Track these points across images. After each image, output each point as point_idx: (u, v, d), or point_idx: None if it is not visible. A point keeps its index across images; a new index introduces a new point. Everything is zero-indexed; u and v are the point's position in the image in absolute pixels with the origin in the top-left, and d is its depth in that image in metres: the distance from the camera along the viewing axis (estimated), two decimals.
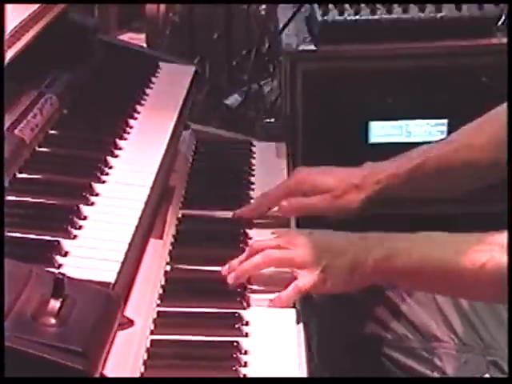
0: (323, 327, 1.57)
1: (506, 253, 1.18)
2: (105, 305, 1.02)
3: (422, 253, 1.23)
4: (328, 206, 1.48)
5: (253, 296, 1.27)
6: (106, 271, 1.09)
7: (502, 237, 1.24)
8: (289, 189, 1.51)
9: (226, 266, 1.30)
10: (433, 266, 1.23)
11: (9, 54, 1.36)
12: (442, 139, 1.65)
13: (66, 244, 1.14)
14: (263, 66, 2.76)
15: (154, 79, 1.73)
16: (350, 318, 1.53)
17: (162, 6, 3.39)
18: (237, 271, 1.27)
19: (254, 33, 3.03)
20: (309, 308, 1.33)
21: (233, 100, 2.46)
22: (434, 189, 1.53)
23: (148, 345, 1.15)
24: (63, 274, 0.98)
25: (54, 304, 0.95)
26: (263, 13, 3.05)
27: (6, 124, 1.34)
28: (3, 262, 0.98)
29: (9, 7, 1.43)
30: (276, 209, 1.50)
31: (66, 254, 1.12)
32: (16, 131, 1.34)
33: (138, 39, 3.34)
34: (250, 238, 1.42)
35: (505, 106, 1.50)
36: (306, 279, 1.25)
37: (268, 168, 1.71)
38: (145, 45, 3.15)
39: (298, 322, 1.24)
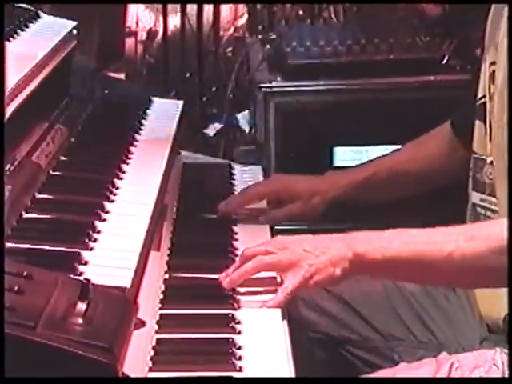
0: (295, 330, 1.57)
1: (469, 243, 1.20)
2: (123, 307, 1.02)
3: (396, 247, 1.23)
4: (300, 211, 1.57)
5: (243, 298, 1.27)
6: (122, 277, 1.10)
7: (465, 228, 1.28)
8: (268, 194, 1.60)
9: (223, 274, 1.29)
10: (406, 258, 1.22)
11: (25, 92, 1.36)
12: (391, 152, 1.70)
13: (85, 255, 1.15)
14: (235, 100, 2.79)
15: (148, 112, 1.73)
16: (319, 322, 1.53)
17: (140, 49, 3.40)
18: (232, 277, 1.27)
19: (221, 71, 3.06)
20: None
21: (212, 129, 2.48)
22: (383, 193, 1.61)
23: (154, 343, 1.15)
24: (88, 280, 0.99)
25: (81, 306, 0.95)
26: (229, 54, 3.09)
27: (24, 151, 1.34)
28: (3, 263, 0.98)
29: (24, 53, 1.45)
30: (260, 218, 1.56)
31: (85, 263, 1.13)
32: (33, 158, 1.35)
33: None
34: (236, 249, 1.43)
35: (443, 126, 1.58)
36: (291, 281, 1.24)
37: None
38: None
39: (283, 318, 1.24)
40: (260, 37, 2.50)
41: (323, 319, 1.51)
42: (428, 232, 1.24)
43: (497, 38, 1.33)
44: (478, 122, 1.37)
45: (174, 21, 3.11)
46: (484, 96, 1.35)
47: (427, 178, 1.59)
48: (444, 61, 2.12)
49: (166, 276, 1.34)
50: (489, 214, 1.36)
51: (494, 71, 1.32)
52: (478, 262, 1.20)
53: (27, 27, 1.58)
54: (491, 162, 1.34)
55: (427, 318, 1.46)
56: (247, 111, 2.43)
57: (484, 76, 1.36)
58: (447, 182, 1.50)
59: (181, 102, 1.81)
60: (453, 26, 2.19)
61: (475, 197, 1.38)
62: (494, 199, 1.34)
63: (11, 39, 1.48)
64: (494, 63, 1.33)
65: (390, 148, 1.99)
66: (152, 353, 1.13)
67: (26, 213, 1.25)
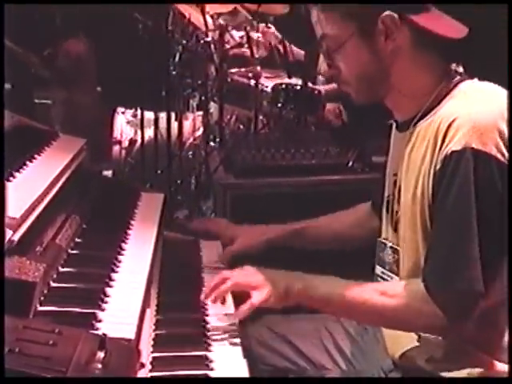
0: (251, 363, 1.53)
1: (380, 297, 1.23)
2: (130, 354, 1.02)
3: (325, 289, 1.26)
4: (243, 246, 1.59)
5: (214, 343, 1.27)
6: (128, 331, 1.09)
7: (382, 284, 1.30)
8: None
9: (206, 290, 1.29)
10: (333, 300, 1.26)
11: (51, 193, 1.38)
12: (323, 216, 1.66)
13: (99, 314, 1.14)
14: (197, 191, 2.82)
15: (139, 202, 1.73)
16: (268, 356, 1.50)
17: (123, 153, 3.41)
18: (215, 294, 1.28)
19: (184, 169, 3.09)
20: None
21: (181, 214, 2.49)
22: (308, 245, 1.61)
23: None
24: (105, 335, 0.98)
25: (100, 355, 0.95)
26: (190, 157, 3.14)
27: (49, 236, 1.33)
28: (4, 286, 0.98)
29: (50, 164, 1.45)
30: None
31: (100, 321, 1.12)
32: (57, 240, 1.34)
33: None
34: (206, 304, 1.41)
35: (365, 203, 1.58)
36: (257, 298, 1.26)
37: (212, 258, 1.75)
38: None
39: (244, 357, 1.24)
40: (217, 145, 2.56)
41: (270, 354, 1.49)
42: (352, 284, 1.26)
43: (400, 164, 1.28)
44: (384, 213, 1.37)
45: (149, 132, 3.16)
46: (389, 195, 1.35)
47: (350, 238, 1.59)
48: (349, 165, 2.20)
49: (155, 327, 1.32)
50: None
51: (395, 180, 1.31)
52: (385, 314, 1.23)
53: (52, 144, 1.60)
54: (391, 247, 1.33)
55: (349, 352, 1.46)
56: (208, 199, 2.46)
57: (388, 180, 1.36)
58: (368, 244, 1.46)
59: (162, 195, 1.81)
60: (355, 140, 2.30)
61: (378, 269, 1.38)
62: (391, 274, 1.34)
63: (41, 154, 1.50)
64: (396, 174, 1.31)
65: None
66: None
67: (53, 282, 1.23)
